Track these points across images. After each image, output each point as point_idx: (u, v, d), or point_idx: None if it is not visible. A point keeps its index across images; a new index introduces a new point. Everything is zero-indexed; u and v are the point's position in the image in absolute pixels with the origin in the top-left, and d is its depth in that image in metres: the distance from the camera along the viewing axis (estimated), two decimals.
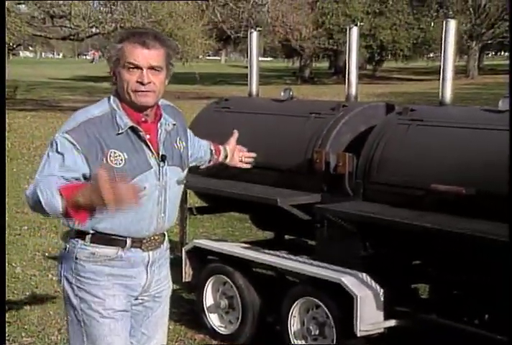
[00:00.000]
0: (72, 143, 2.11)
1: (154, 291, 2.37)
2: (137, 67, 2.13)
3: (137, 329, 2.40)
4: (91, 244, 2.24)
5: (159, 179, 2.23)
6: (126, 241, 2.24)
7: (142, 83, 2.14)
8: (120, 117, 2.18)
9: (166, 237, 2.40)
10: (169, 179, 2.26)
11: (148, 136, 2.21)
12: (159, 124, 2.25)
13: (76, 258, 2.25)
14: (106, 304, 2.25)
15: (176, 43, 17.70)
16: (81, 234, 2.24)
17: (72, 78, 37.66)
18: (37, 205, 2.04)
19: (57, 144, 2.12)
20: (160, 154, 2.23)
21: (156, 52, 2.15)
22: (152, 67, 2.15)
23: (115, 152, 2.15)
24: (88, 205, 1.95)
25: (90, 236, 2.23)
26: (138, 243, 2.27)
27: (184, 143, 2.38)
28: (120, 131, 2.17)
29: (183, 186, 2.37)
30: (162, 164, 2.23)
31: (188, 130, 2.48)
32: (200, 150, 2.63)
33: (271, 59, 52.55)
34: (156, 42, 2.15)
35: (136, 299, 2.35)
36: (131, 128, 2.19)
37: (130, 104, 2.20)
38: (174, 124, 2.30)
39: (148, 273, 2.32)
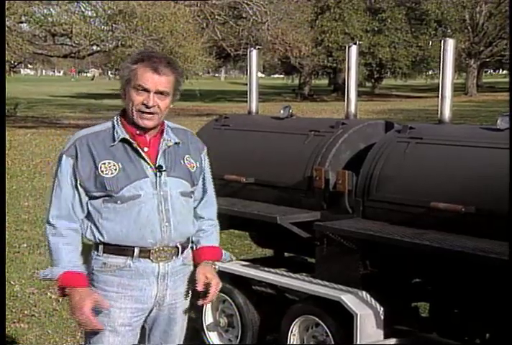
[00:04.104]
0: (67, 164, 2.33)
1: (168, 305, 2.43)
2: (145, 90, 2.27)
3: (156, 341, 2.49)
4: (103, 255, 2.36)
5: (156, 188, 2.32)
6: (134, 250, 2.33)
7: (146, 106, 2.27)
8: (117, 131, 2.34)
9: (184, 252, 2.43)
10: (170, 189, 2.34)
11: (146, 149, 2.34)
12: (162, 139, 2.37)
13: (92, 269, 2.38)
14: (110, 316, 2.34)
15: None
16: (96, 246, 2.38)
17: (73, 96, 37.84)
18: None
19: (60, 169, 2.36)
20: (157, 164, 2.33)
21: (166, 79, 2.28)
22: (159, 92, 2.28)
23: (109, 163, 2.31)
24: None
25: (102, 247, 2.36)
26: (146, 253, 2.34)
27: (198, 163, 2.45)
28: (113, 144, 2.33)
29: (191, 200, 2.45)
30: (159, 174, 2.33)
31: (203, 168, 2.49)
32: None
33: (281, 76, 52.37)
34: (168, 69, 2.29)
35: (151, 311, 2.41)
36: (125, 140, 2.32)
37: (131, 122, 2.34)
38: (177, 143, 2.40)
39: (159, 285, 2.37)
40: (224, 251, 2.55)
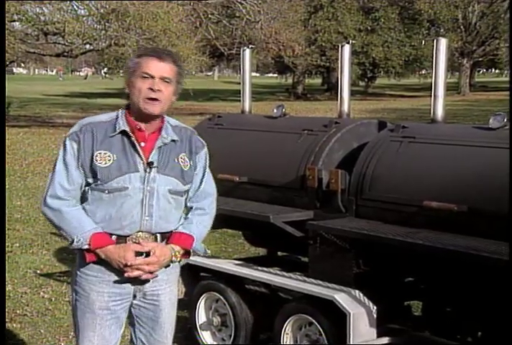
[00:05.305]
0: (72, 147, 2.40)
1: (150, 292, 2.49)
2: (150, 76, 2.37)
3: (144, 331, 2.55)
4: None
5: (144, 183, 2.40)
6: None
7: (152, 90, 2.36)
8: (119, 122, 2.42)
9: (164, 240, 2.47)
10: (158, 186, 2.42)
11: (143, 144, 2.42)
12: (160, 136, 2.44)
13: (79, 255, 2.49)
14: (89, 298, 2.46)
15: None
16: None
17: (66, 95, 37.70)
18: (56, 224, 2.43)
19: (64, 150, 2.42)
20: (149, 160, 2.40)
21: (169, 66, 2.40)
22: (163, 78, 2.38)
23: (105, 153, 2.39)
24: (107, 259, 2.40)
25: None
26: (122, 239, 2.42)
27: (192, 162, 2.50)
28: (112, 134, 2.41)
29: (182, 198, 2.50)
30: (148, 170, 2.40)
31: (201, 166, 2.54)
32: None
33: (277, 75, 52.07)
34: (170, 59, 2.42)
35: (134, 297, 2.49)
36: (124, 133, 2.40)
37: (136, 112, 2.41)
38: (174, 140, 2.46)
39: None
40: (198, 243, 2.54)
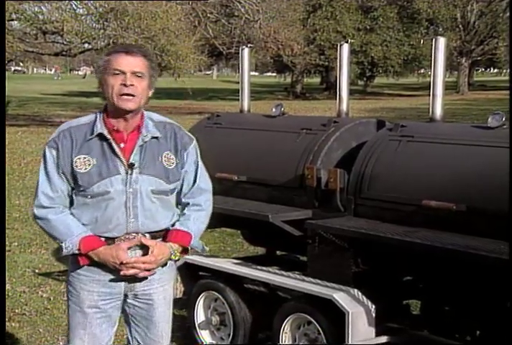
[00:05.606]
0: (51, 155, 2.40)
1: (142, 291, 2.47)
2: (122, 72, 2.34)
3: (139, 330, 2.53)
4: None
5: (126, 185, 2.37)
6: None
7: (125, 85, 2.33)
8: (96, 126, 2.39)
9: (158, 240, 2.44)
10: (140, 187, 2.38)
11: (123, 145, 2.38)
12: (139, 134, 2.39)
13: (71, 257, 2.46)
14: (80, 297, 2.47)
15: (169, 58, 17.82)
16: None
17: (64, 94, 37.67)
18: (48, 233, 2.44)
19: (44, 159, 2.43)
20: (130, 161, 2.37)
21: (139, 59, 2.36)
22: (134, 73, 2.34)
23: (84, 158, 2.37)
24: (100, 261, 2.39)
25: None
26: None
27: (178, 159, 2.45)
28: (89, 138, 2.38)
29: (168, 197, 2.45)
30: (129, 171, 2.37)
31: (192, 162, 2.49)
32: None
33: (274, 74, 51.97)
34: (140, 52, 2.38)
35: (126, 296, 2.47)
36: (102, 135, 2.37)
37: (112, 110, 2.38)
38: (155, 137, 2.41)
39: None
40: (196, 240, 2.51)
